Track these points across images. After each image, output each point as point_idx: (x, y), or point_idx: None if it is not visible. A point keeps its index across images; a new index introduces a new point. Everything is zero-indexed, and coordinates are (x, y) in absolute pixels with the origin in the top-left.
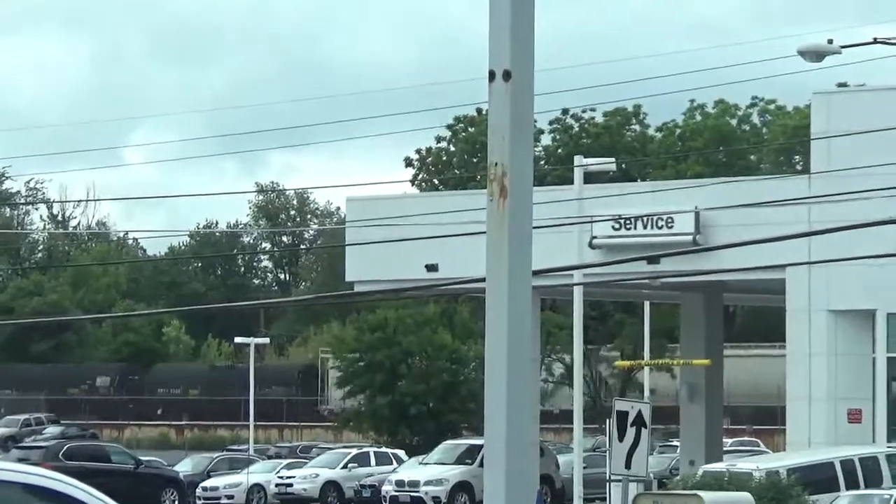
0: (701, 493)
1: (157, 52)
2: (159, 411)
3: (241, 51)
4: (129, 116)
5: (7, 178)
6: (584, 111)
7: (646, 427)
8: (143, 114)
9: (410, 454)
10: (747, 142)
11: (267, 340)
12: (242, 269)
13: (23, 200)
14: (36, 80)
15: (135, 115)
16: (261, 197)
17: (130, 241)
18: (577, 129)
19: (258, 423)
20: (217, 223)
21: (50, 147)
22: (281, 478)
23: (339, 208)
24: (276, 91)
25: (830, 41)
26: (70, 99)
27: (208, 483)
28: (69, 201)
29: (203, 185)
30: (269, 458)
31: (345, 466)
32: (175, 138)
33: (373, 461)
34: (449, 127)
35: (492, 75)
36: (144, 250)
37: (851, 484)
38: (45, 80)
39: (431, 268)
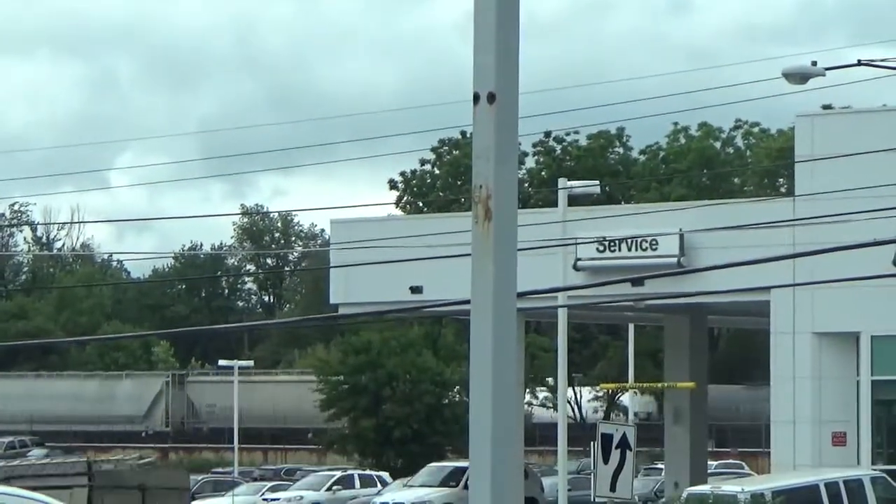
0: None
1: (146, 78)
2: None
3: (229, 76)
4: (119, 139)
5: None
6: (567, 134)
7: (630, 449)
8: (132, 137)
9: (395, 476)
10: (731, 164)
11: (251, 363)
12: (226, 291)
13: (7, 223)
14: (26, 105)
15: (124, 138)
16: (245, 219)
17: (114, 264)
18: (559, 151)
19: None
20: (202, 245)
21: (38, 170)
22: (265, 500)
23: (323, 230)
24: (263, 115)
25: (814, 63)
26: (59, 123)
27: None
28: (53, 223)
29: (192, 207)
30: (254, 480)
31: (329, 489)
32: (163, 162)
33: (357, 484)
34: (433, 149)
35: (476, 98)
36: (128, 272)
37: None
38: (35, 104)
39: (416, 290)
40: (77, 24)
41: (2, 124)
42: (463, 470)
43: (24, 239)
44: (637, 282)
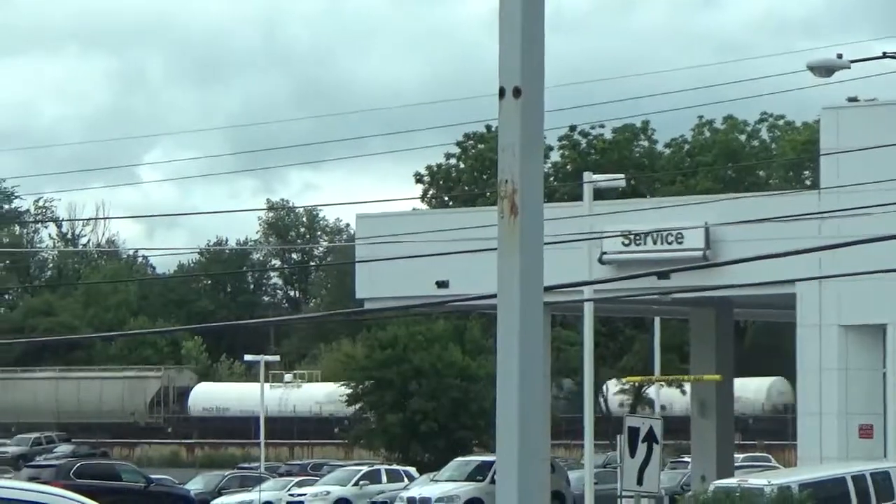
0: None
1: (175, 73)
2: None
3: (257, 71)
4: (148, 135)
5: (17, 196)
6: (592, 127)
7: (657, 443)
8: (161, 133)
9: (421, 471)
10: (756, 157)
11: (277, 358)
12: (252, 286)
13: (32, 219)
14: (55, 101)
15: (153, 134)
16: (271, 214)
17: (140, 260)
18: (584, 145)
19: None
20: (227, 240)
21: (67, 166)
22: (292, 495)
23: (348, 225)
24: (290, 110)
25: (840, 56)
26: (88, 119)
27: (219, 501)
28: (78, 220)
29: (221, 203)
30: (280, 475)
31: (356, 484)
32: (192, 157)
33: (384, 478)
34: (459, 143)
35: (502, 92)
36: (154, 268)
37: (863, 499)
38: (64, 100)
39: (442, 284)
40: (106, 21)
41: (32, 120)
42: (489, 464)
43: (49, 235)
44: (663, 275)
